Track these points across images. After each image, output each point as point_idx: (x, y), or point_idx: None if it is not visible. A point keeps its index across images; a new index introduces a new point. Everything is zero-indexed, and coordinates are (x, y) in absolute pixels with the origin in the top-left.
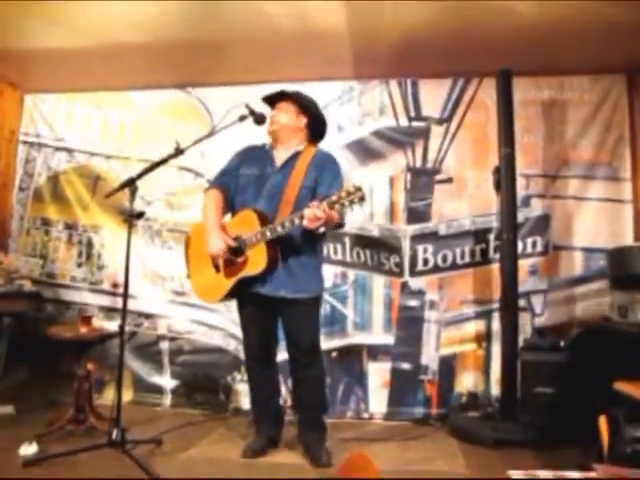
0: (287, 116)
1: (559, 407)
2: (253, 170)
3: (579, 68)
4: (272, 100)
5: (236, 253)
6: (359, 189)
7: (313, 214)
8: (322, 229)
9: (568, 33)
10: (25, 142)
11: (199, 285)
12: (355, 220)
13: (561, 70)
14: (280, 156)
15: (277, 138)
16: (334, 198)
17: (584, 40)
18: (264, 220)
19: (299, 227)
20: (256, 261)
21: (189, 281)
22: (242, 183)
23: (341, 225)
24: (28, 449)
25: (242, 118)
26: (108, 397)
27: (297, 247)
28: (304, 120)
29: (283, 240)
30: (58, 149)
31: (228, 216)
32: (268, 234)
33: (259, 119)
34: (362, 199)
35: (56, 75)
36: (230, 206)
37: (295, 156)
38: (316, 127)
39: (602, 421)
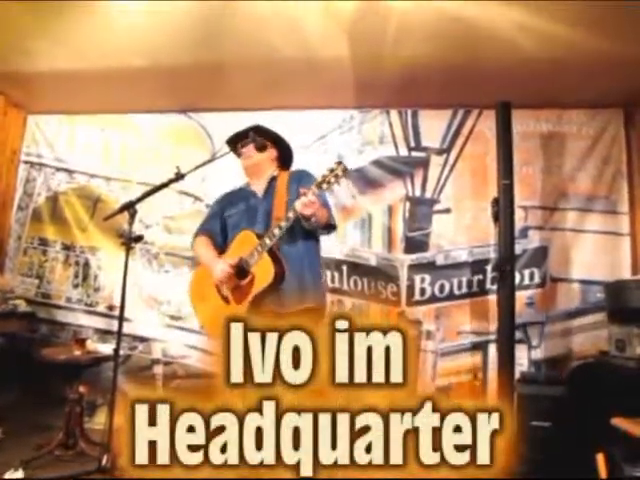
0: (259, 149)
1: (555, 442)
2: (240, 207)
3: (577, 102)
4: (239, 137)
5: (241, 275)
6: (340, 162)
7: (307, 200)
8: (316, 226)
9: (567, 68)
10: (26, 162)
11: (212, 323)
12: (352, 248)
13: (560, 104)
14: (259, 187)
15: (254, 172)
16: (319, 179)
17: (583, 75)
18: (262, 237)
19: (295, 222)
20: (263, 275)
21: (204, 330)
22: (232, 222)
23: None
24: (13, 475)
25: (244, 145)
26: (100, 421)
27: (300, 259)
28: (274, 152)
29: (285, 253)
30: (58, 170)
31: None
32: (267, 241)
33: (260, 146)
34: (345, 170)
35: (59, 97)
36: (220, 250)
37: (273, 180)
38: (285, 157)
39: (600, 459)
